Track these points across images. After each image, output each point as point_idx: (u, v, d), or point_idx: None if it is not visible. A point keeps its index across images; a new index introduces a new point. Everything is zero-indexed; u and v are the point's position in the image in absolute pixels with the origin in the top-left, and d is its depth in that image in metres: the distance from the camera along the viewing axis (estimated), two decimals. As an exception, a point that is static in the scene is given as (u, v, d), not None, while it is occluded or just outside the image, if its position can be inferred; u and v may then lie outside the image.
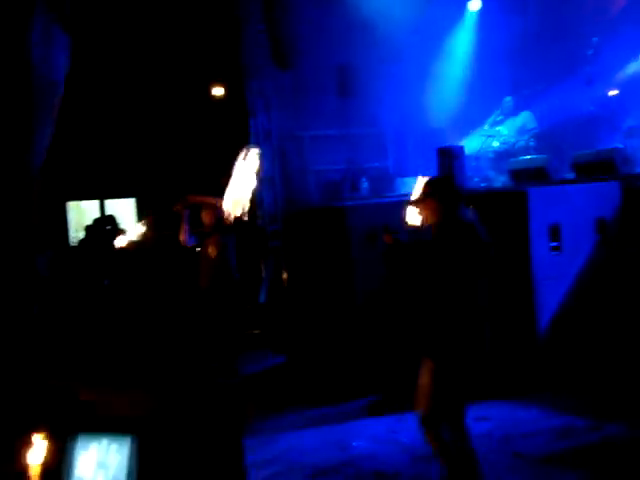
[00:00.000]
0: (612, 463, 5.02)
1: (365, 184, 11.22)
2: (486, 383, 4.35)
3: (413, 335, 4.37)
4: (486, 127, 11.16)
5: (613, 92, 10.96)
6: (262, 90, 10.67)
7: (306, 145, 11.24)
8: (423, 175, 11.20)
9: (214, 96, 10.92)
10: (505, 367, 6.94)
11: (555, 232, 7.23)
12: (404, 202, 9.92)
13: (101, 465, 3.24)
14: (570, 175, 8.93)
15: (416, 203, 4.40)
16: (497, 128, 11.05)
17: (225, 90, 10.79)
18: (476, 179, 10.82)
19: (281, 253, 10.64)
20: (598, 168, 8.14)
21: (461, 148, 10.19)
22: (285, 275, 10.60)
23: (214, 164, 10.50)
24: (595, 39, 10.08)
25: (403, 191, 11.06)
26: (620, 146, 8.51)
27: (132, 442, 3.17)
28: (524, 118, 10.86)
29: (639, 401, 6.02)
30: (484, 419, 5.95)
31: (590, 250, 7.31)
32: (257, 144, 10.65)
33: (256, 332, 10.01)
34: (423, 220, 4.32)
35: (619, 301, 7.14)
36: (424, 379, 4.16)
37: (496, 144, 10.95)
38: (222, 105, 10.92)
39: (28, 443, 3.18)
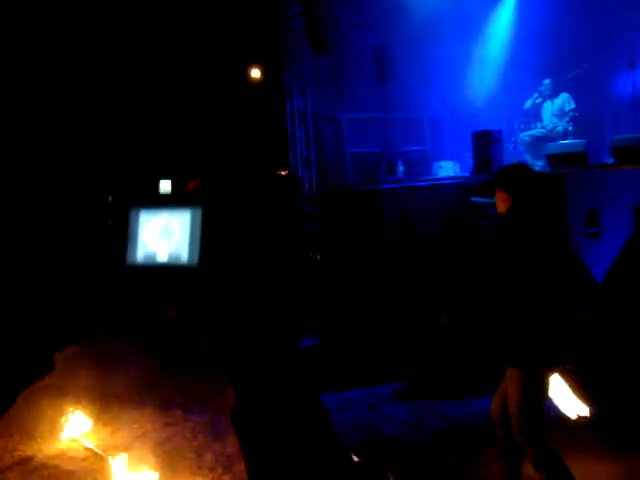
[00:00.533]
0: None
1: (401, 167, 11.17)
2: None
3: (487, 340, 4.08)
4: (527, 107, 10.99)
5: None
6: (299, 72, 10.66)
7: (343, 128, 11.24)
8: (459, 161, 11.09)
9: (252, 78, 10.90)
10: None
11: (592, 218, 7.12)
12: (439, 186, 9.89)
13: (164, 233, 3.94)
14: (609, 160, 8.76)
15: (487, 191, 4.22)
16: (534, 111, 10.88)
17: (262, 72, 10.76)
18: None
19: (316, 235, 10.66)
20: (638, 153, 7.95)
21: (499, 132, 10.09)
22: (319, 257, 10.61)
23: (250, 146, 10.53)
24: None
25: (440, 175, 11.05)
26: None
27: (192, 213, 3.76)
28: (562, 100, 10.67)
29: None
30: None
31: (627, 238, 7.16)
32: (293, 126, 10.69)
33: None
34: (498, 209, 4.11)
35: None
36: (507, 389, 3.92)
37: (535, 128, 10.77)
38: (260, 87, 10.90)
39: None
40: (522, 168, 4.22)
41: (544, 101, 10.86)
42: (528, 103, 10.99)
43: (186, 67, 11.93)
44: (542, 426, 3.82)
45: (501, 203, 4.03)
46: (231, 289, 4.57)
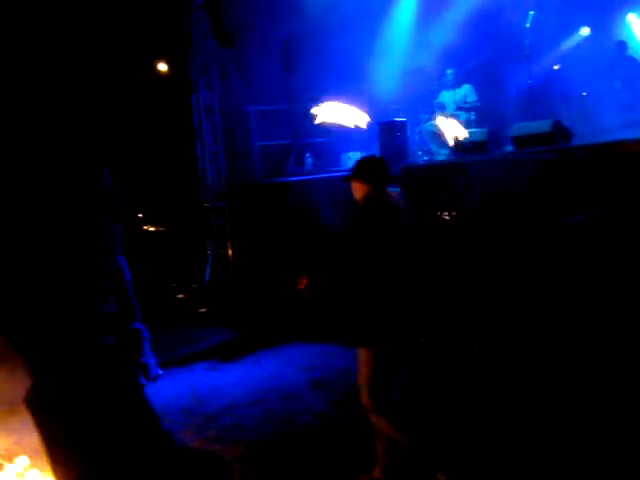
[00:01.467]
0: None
1: (310, 159, 11.16)
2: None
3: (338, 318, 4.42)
4: (430, 98, 11.15)
5: (556, 66, 11.11)
6: (205, 65, 10.48)
7: (252, 120, 11.13)
8: (366, 151, 11.24)
9: (159, 72, 10.66)
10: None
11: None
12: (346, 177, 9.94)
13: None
14: (510, 148, 8.97)
15: (348, 180, 4.49)
16: (437, 101, 11.05)
17: (169, 66, 10.54)
18: (420, 152, 10.85)
19: (227, 230, 10.53)
20: (536, 141, 8.17)
21: (403, 122, 10.19)
22: (230, 252, 10.50)
23: (157, 139, 10.30)
24: (531, 13, 10.08)
25: (349, 165, 11.05)
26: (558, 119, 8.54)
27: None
28: (465, 91, 10.88)
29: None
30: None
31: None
32: (200, 119, 10.51)
33: (203, 310, 9.91)
34: (355, 196, 4.43)
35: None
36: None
37: (438, 117, 10.94)
38: (166, 81, 10.68)
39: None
40: (376, 160, 4.53)
41: (447, 91, 11.05)
42: (432, 94, 11.17)
43: (92, 61, 11.54)
44: (388, 399, 4.18)
45: (357, 192, 4.38)
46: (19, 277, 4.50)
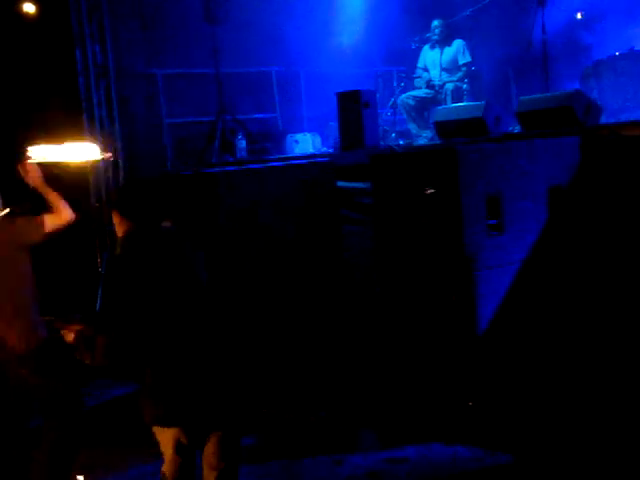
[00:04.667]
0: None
1: (243, 143, 11.05)
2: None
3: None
4: (410, 59, 11.15)
5: (579, 15, 11.13)
6: (94, 8, 10.26)
7: (160, 88, 11.00)
8: (321, 132, 11.11)
9: (26, 14, 10.33)
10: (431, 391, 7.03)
11: (494, 206, 7.19)
12: (295, 167, 9.81)
13: None
14: (515, 128, 8.96)
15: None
16: (419, 65, 11.05)
17: (39, 8, 10.23)
18: (393, 134, 10.81)
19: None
20: (552, 118, 8.15)
21: (371, 92, 10.09)
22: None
23: (24, 111, 9.97)
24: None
25: (296, 152, 10.98)
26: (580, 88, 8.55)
27: None
28: (456, 49, 10.88)
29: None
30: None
31: (540, 229, 7.29)
32: (87, 85, 10.30)
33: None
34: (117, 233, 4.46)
35: (577, 297, 7.16)
36: None
37: (419, 86, 10.92)
38: (36, 28, 10.37)
39: None
40: (143, 187, 4.53)
41: (432, 50, 11.04)
42: (413, 52, 11.16)
43: None
44: None
45: (117, 228, 4.39)
46: None
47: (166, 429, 4.24)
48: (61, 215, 5.61)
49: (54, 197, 5.62)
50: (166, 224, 4.45)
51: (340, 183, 8.79)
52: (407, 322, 7.33)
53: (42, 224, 5.50)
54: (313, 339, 7.87)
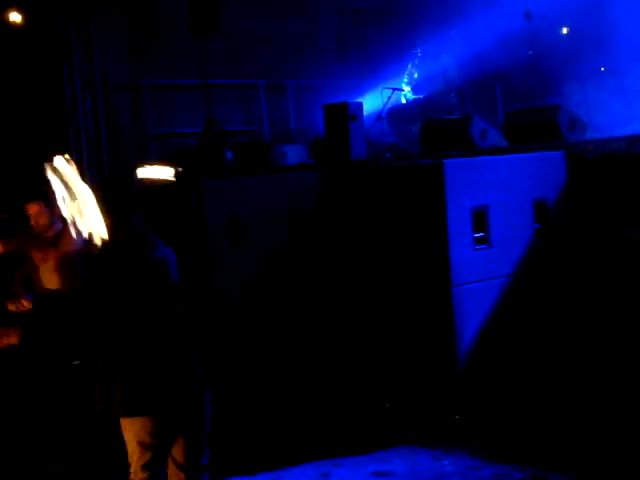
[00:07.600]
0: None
1: (229, 154, 11.04)
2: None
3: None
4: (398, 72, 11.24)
5: (565, 29, 11.22)
6: (82, 20, 10.31)
7: (146, 99, 11.04)
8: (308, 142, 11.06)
9: (13, 23, 10.34)
10: (415, 404, 7.07)
11: (480, 219, 7.24)
12: (284, 178, 9.83)
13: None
14: (501, 141, 9.00)
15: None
16: (406, 79, 11.14)
17: (25, 18, 10.25)
18: (387, 154, 10.85)
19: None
20: (537, 132, 8.22)
21: (359, 105, 10.12)
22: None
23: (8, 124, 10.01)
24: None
25: (284, 163, 10.99)
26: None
27: None
28: (444, 64, 10.94)
29: (584, 442, 6.11)
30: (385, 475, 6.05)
31: (527, 243, 7.36)
32: (74, 96, 10.33)
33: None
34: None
35: (564, 311, 7.22)
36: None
37: (408, 96, 11.00)
38: (22, 38, 10.40)
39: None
40: (116, 183, 4.76)
41: (420, 63, 11.12)
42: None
43: None
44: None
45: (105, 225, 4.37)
46: None
47: (136, 419, 4.26)
48: None
49: None
50: (138, 220, 4.38)
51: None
52: (391, 336, 7.38)
53: None
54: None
